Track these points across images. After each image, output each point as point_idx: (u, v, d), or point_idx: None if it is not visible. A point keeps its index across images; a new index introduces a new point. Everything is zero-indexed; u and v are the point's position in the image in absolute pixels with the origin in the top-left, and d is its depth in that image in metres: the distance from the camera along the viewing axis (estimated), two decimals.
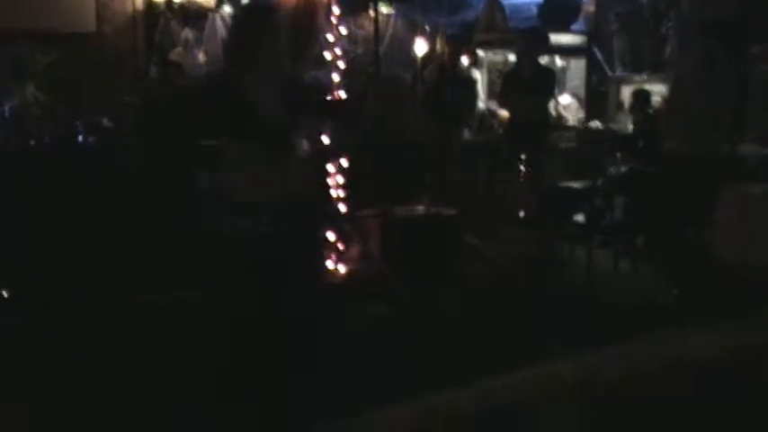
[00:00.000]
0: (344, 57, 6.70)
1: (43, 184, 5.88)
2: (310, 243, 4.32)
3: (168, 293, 5.38)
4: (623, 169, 7.16)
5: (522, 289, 6.17)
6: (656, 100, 7.80)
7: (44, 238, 5.63)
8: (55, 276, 5.47)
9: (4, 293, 5.50)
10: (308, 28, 6.06)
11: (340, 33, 6.27)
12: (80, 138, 6.55)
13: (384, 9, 8.73)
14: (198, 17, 8.20)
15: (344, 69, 6.46)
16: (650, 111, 7.53)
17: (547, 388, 2.36)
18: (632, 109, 7.72)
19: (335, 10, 6.24)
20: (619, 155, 7.24)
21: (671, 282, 6.10)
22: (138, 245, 5.72)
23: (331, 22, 6.18)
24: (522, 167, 7.58)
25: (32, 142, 6.33)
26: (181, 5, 7.97)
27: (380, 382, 4.11)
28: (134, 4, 8.05)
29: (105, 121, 6.83)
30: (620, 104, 8.94)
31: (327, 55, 6.20)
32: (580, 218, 6.99)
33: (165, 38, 7.91)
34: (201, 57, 7.92)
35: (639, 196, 6.85)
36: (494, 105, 8.35)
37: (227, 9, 8.13)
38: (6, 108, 6.59)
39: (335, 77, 6.30)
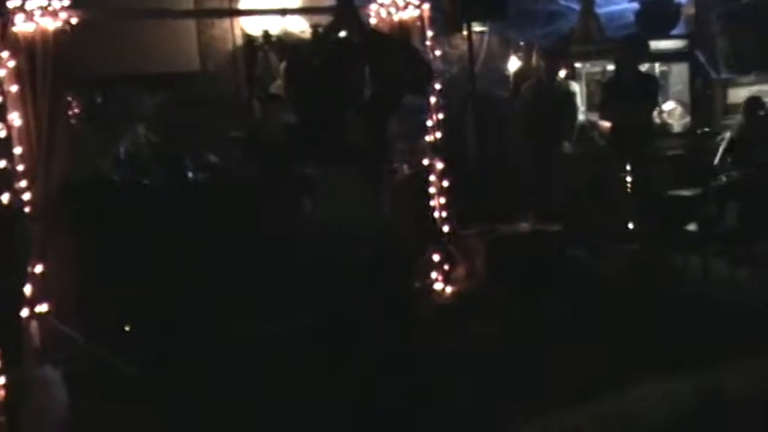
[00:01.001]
0: (441, 78, 6.77)
1: (156, 220, 6.09)
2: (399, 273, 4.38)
3: (279, 321, 5.50)
4: (735, 174, 6.93)
5: (634, 301, 6.03)
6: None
7: (160, 270, 5.83)
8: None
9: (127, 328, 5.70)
10: (403, 52, 6.09)
11: (434, 55, 6.31)
12: (189, 174, 6.77)
13: (477, 27, 8.75)
14: (295, 49, 8.42)
15: (441, 90, 6.51)
16: (762, 113, 7.26)
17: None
18: (745, 112, 7.46)
19: (429, 33, 6.28)
20: (729, 160, 7.02)
21: None
22: (247, 274, 5.86)
23: (425, 44, 6.22)
24: (628, 178, 7.45)
25: (145, 181, 6.58)
26: (278, 39, 8.17)
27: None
28: (234, 41, 8.32)
29: (212, 157, 7.04)
30: (726, 108, 8.65)
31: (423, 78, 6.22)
32: (692, 226, 6.77)
33: (265, 71, 8.11)
34: None
35: (753, 201, 6.61)
36: (594, 117, 8.23)
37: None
38: (121, 149, 6.88)
39: (432, 99, 6.34)
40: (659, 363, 4.61)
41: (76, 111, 6.61)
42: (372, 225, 4.78)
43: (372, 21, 6.23)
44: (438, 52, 6.45)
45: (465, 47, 8.21)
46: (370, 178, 4.80)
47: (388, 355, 4.54)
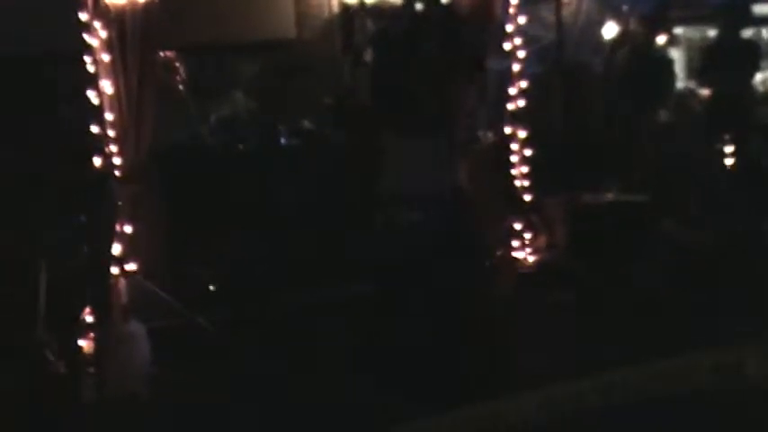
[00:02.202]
0: (531, 45, 6.69)
1: (247, 185, 6.29)
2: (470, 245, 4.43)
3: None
4: None
5: (724, 275, 5.88)
6: None
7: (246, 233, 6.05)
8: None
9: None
10: (485, 20, 6.08)
11: (518, 23, 6.25)
12: (282, 140, 6.94)
13: None
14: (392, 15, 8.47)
15: (527, 58, 6.46)
16: None
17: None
18: None
19: (513, 1, 6.22)
20: None
21: None
22: (325, 240, 6.01)
23: (508, 12, 6.17)
24: (726, 147, 7.22)
25: (240, 146, 6.78)
26: (374, 5, 8.21)
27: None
28: (330, 9, 8.43)
29: (306, 124, 7.19)
30: None
31: (506, 46, 6.21)
32: None
33: (361, 38, 8.20)
34: None
35: None
36: (693, 84, 7.98)
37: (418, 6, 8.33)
38: (219, 115, 7.11)
39: (516, 67, 6.30)
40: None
41: (177, 77, 6.91)
42: (444, 194, 4.85)
43: None
44: (523, 19, 6.37)
45: (563, 13, 8.09)
46: (443, 147, 4.84)
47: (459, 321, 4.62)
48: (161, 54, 5.99)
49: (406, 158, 5.07)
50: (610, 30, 8.67)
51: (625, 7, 8.64)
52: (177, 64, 6.78)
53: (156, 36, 5.45)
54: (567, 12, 8.49)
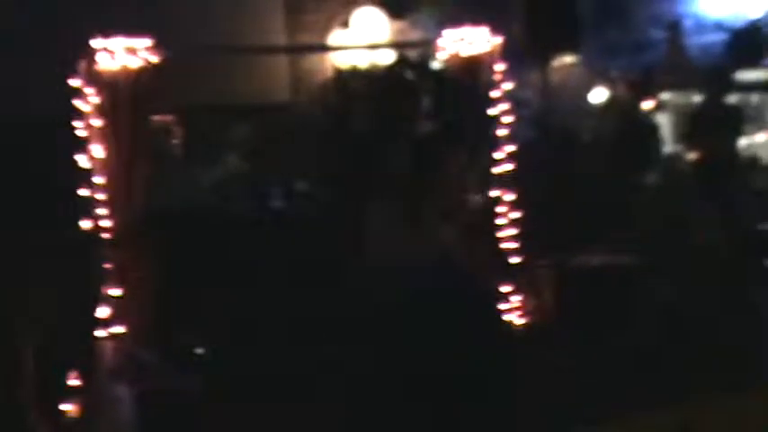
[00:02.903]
0: (520, 110, 6.81)
1: (237, 248, 6.32)
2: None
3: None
4: None
5: (722, 344, 5.89)
6: None
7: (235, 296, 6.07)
8: None
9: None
10: (472, 85, 6.21)
11: (503, 89, 6.36)
12: (274, 202, 7.00)
13: (567, 58, 8.77)
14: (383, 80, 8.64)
15: (514, 123, 6.56)
16: None
17: None
18: None
19: (500, 66, 6.34)
20: None
21: None
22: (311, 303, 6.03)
23: (494, 79, 6.28)
24: (714, 210, 7.28)
25: (231, 209, 6.84)
26: (367, 70, 8.38)
27: None
28: (324, 73, 8.60)
29: (301, 186, 7.26)
30: None
31: (492, 111, 6.31)
32: None
33: (352, 103, 8.34)
34: None
35: None
36: (680, 148, 8.10)
37: (407, 71, 8.52)
38: (212, 178, 7.19)
39: (502, 132, 6.39)
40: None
41: (171, 140, 7.01)
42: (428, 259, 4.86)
43: (442, 55, 6.35)
44: (509, 85, 6.48)
45: (554, 78, 8.27)
46: (421, 211, 4.89)
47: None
48: (155, 117, 6.11)
49: (388, 224, 5.12)
50: (599, 95, 8.84)
51: (613, 73, 8.82)
52: (171, 127, 6.91)
53: (148, 100, 5.56)
54: (556, 77, 8.66)
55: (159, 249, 5.85)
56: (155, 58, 5.50)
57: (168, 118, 6.91)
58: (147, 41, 5.48)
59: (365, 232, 5.80)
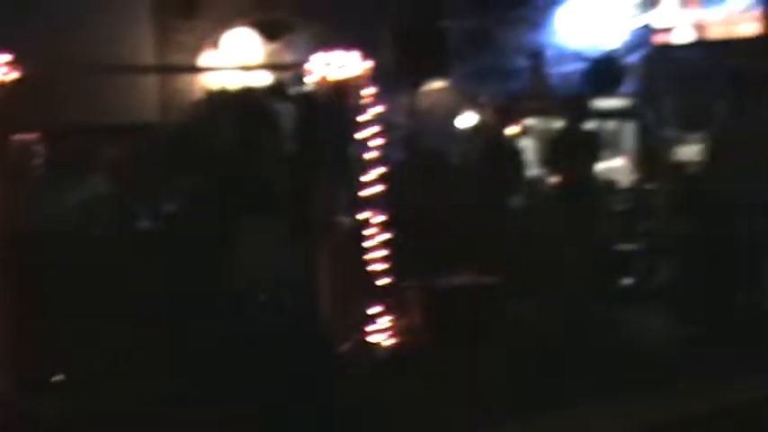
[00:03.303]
0: (390, 133, 6.94)
1: (99, 270, 6.14)
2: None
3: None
4: (673, 229, 7.09)
5: (570, 353, 6.12)
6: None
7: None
8: None
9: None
10: (341, 108, 6.29)
11: (374, 113, 6.47)
12: (141, 223, 6.86)
13: (437, 83, 9.02)
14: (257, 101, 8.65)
15: (384, 146, 6.68)
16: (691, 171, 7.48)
17: None
18: (675, 169, 7.70)
19: (370, 90, 6.45)
20: (666, 216, 7.19)
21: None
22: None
23: (364, 102, 6.39)
24: (574, 231, 7.59)
25: (94, 231, 6.66)
26: (242, 91, 8.37)
27: None
28: (195, 94, 8.52)
29: (169, 206, 7.14)
30: (673, 165, 8.85)
31: (361, 134, 6.40)
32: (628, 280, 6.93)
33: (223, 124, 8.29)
34: None
35: (688, 257, 6.75)
36: (542, 172, 8.43)
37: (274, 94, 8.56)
38: (77, 200, 6.98)
39: (372, 154, 6.49)
40: None
41: (33, 161, 6.77)
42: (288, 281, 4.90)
43: (311, 78, 6.41)
44: (379, 108, 6.60)
45: (425, 102, 8.48)
46: (291, 231, 4.93)
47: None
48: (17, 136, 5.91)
49: (255, 245, 5.13)
50: (467, 119, 9.11)
51: (481, 98, 9.11)
52: (35, 146, 6.68)
53: (8, 118, 5.38)
54: (426, 101, 8.88)
55: (18, 272, 5.65)
56: (14, 75, 5.33)
57: (32, 137, 6.69)
58: (6, 57, 5.31)
59: (231, 253, 5.76)
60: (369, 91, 6.48)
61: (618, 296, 7.18)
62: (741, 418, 3.22)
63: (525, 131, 8.82)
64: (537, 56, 9.36)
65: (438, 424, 5.04)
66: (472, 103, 8.99)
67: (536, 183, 8.48)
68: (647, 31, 9.53)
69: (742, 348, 5.52)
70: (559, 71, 9.49)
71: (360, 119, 6.39)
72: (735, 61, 7.87)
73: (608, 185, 8.44)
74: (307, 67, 6.44)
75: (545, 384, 5.48)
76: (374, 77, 6.53)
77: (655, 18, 9.49)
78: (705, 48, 9.15)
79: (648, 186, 8.58)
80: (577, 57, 9.43)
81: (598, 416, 4.77)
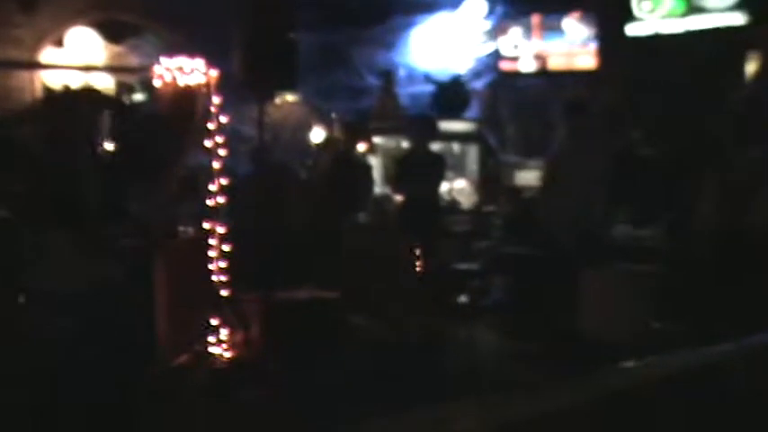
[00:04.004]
0: (236, 144, 6.87)
1: None
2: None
3: None
4: (507, 251, 7.37)
5: (409, 368, 6.23)
6: None
7: None
8: None
9: None
10: (185, 117, 6.18)
11: (220, 122, 6.39)
12: None
13: (289, 97, 9.02)
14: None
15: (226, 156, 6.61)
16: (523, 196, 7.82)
17: None
18: (510, 193, 8.01)
19: (215, 99, 6.37)
20: (502, 237, 7.46)
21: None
22: None
23: (209, 111, 6.30)
24: (416, 250, 7.74)
25: None
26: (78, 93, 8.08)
27: None
28: (33, 93, 8.17)
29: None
30: (513, 189, 9.21)
31: (208, 143, 6.31)
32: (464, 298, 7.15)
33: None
34: None
35: (517, 277, 7.04)
36: (389, 190, 8.57)
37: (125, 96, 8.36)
38: None
39: (216, 165, 6.40)
40: None
41: None
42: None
43: (157, 83, 6.27)
44: (225, 118, 6.52)
45: (276, 115, 8.45)
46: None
47: None
48: None
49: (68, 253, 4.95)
50: (317, 134, 9.16)
51: (333, 114, 9.18)
52: None
53: None
54: (278, 114, 8.88)
55: None
56: None
57: None
58: None
59: (45, 261, 5.53)
60: (214, 100, 6.42)
61: (454, 312, 7.36)
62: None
63: (373, 149, 8.94)
64: (388, 75, 9.51)
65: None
66: (322, 119, 9.04)
67: (382, 201, 8.61)
68: (494, 58, 9.87)
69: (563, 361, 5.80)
70: (409, 92, 9.70)
71: (204, 127, 6.30)
72: (572, 91, 8.26)
73: (450, 206, 8.68)
74: (152, 71, 6.30)
75: (385, 391, 5.57)
76: (221, 87, 6.50)
77: (502, 46, 9.85)
78: (546, 77, 9.57)
79: (488, 208, 8.89)
80: (427, 79, 9.66)
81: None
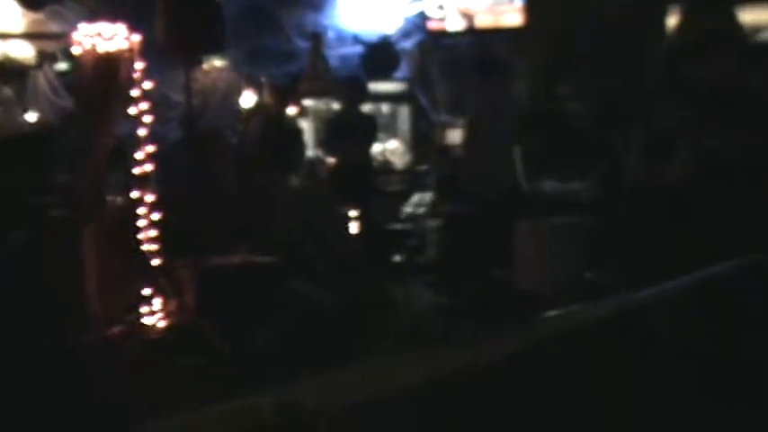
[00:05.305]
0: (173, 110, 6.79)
1: None
2: None
3: None
4: (440, 209, 7.44)
5: (347, 330, 6.26)
6: None
7: None
8: None
9: None
10: (107, 85, 6.06)
11: (145, 89, 6.28)
12: None
13: (217, 62, 8.89)
14: (20, 75, 8.18)
15: (157, 123, 6.51)
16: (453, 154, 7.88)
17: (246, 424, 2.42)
18: (441, 152, 8.07)
19: (139, 65, 6.24)
20: (434, 196, 7.52)
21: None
22: None
23: (132, 78, 6.18)
24: (350, 212, 7.75)
25: None
26: (0, 63, 7.88)
27: None
28: None
29: None
30: (444, 148, 9.26)
31: (132, 110, 6.20)
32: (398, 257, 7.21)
33: None
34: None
35: (449, 235, 7.11)
36: (321, 153, 8.54)
37: (48, 67, 8.14)
38: None
39: (142, 132, 6.30)
40: None
41: None
42: None
43: (77, 51, 6.13)
44: (150, 84, 6.40)
45: (205, 80, 8.33)
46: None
47: None
48: None
49: None
50: (248, 99, 9.04)
51: (262, 78, 9.07)
52: None
53: None
54: (207, 79, 8.74)
55: None
56: None
57: None
58: None
59: None
60: (138, 65, 6.30)
61: (391, 271, 7.41)
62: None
63: (304, 112, 8.89)
64: (317, 37, 9.43)
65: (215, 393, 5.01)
66: (252, 83, 8.93)
67: (314, 164, 8.59)
68: (423, 17, 9.85)
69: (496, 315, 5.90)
70: (338, 53, 9.63)
71: (128, 94, 6.19)
72: (499, 50, 8.29)
73: (383, 166, 8.71)
74: (72, 37, 6.15)
75: (321, 352, 5.57)
76: (145, 52, 6.38)
77: (429, 6, 9.83)
78: (474, 36, 9.58)
79: (420, 168, 8.94)
80: (356, 40, 9.61)
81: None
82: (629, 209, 6.52)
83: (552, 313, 3.81)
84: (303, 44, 9.55)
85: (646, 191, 6.37)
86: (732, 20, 6.97)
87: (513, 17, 9.34)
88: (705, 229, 5.76)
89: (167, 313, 6.37)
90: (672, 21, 7.64)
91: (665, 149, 6.35)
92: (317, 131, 8.89)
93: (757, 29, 7.62)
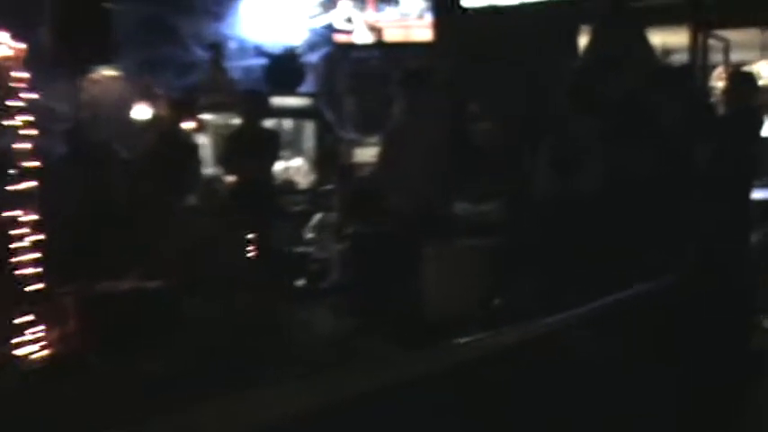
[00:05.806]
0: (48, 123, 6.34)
1: None
2: None
3: None
4: (346, 231, 7.15)
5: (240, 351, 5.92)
6: None
7: None
8: None
9: None
10: None
11: (28, 100, 5.82)
12: None
13: (107, 72, 8.43)
14: None
15: (40, 136, 6.06)
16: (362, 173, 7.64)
17: None
18: (349, 171, 7.81)
19: (22, 74, 5.79)
20: (339, 217, 7.23)
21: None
22: None
23: (15, 86, 5.72)
24: (250, 233, 7.40)
25: None
26: None
27: None
28: None
29: None
30: (351, 167, 8.98)
31: (9, 122, 5.72)
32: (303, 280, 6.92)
33: None
34: None
35: (356, 256, 6.84)
36: (220, 170, 8.14)
37: None
38: None
39: (23, 146, 5.82)
40: None
41: None
42: None
43: None
44: (34, 95, 5.94)
45: (94, 91, 7.85)
46: None
47: None
48: None
49: None
50: (140, 111, 8.59)
51: (156, 90, 8.64)
52: None
53: None
54: (96, 90, 8.24)
55: None
56: None
57: None
58: None
59: None
60: (21, 75, 5.84)
61: (293, 295, 7.10)
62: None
63: (202, 127, 8.48)
64: (217, 48, 9.04)
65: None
66: (145, 95, 8.48)
67: (212, 182, 8.18)
68: (329, 30, 9.59)
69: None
70: (239, 66, 9.27)
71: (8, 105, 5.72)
72: (409, 64, 8.08)
73: (286, 185, 8.37)
74: None
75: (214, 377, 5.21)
76: (30, 61, 5.93)
77: (336, 18, 9.58)
78: (383, 50, 9.39)
79: (325, 187, 8.62)
80: (258, 52, 9.27)
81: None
82: (539, 227, 6.41)
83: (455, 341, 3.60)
84: (202, 54, 9.15)
85: (556, 207, 6.27)
86: (642, 39, 6.98)
87: (422, 32, 9.18)
88: (616, 242, 5.70)
89: (50, 342, 5.91)
90: (583, 38, 7.63)
91: (574, 164, 6.27)
92: (216, 147, 8.47)
93: (668, 51, 7.69)
